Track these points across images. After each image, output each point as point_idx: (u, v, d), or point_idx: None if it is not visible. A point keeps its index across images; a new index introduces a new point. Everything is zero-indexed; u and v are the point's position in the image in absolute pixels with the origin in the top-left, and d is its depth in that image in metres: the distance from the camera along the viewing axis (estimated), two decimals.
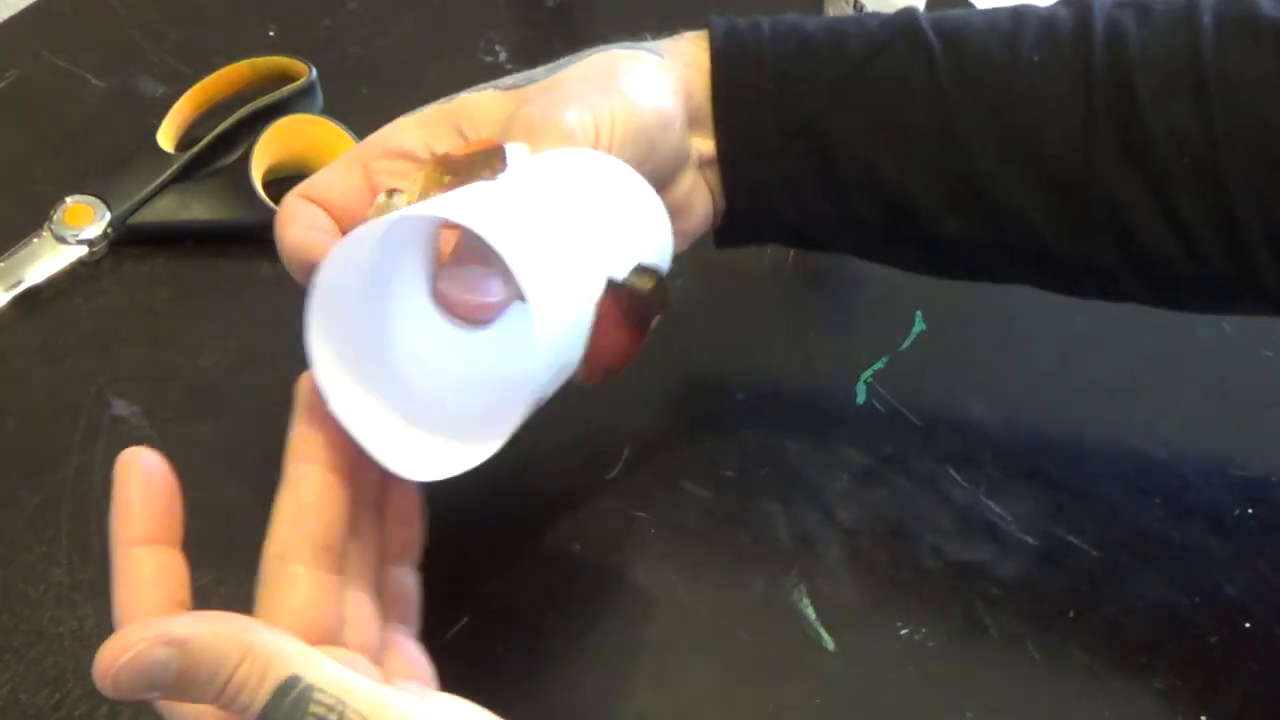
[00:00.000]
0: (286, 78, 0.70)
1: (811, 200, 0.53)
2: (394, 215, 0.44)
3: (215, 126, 0.68)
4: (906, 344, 0.65)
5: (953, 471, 0.61)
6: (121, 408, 0.62)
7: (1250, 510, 0.60)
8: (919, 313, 0.66)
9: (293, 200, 0.52)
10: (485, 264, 0.46)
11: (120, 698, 0.40)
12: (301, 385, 0.46)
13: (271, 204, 0.67)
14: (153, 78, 0.73)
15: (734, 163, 0.53)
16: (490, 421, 0.46)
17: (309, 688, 0.39)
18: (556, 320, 0.43)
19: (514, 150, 0.47)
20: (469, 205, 0.43)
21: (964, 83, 0.51)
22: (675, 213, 0.52)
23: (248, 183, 0.66)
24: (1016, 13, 0.53)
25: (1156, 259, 0.51)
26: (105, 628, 0.55)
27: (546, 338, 0.43)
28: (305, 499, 0.44)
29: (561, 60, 0.52)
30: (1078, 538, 0.59)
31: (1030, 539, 0.59)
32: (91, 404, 0.62)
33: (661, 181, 0.52)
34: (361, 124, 0.68)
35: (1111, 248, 0.52)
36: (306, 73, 0.70)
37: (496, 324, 0.49)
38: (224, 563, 0.57)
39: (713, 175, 0.54)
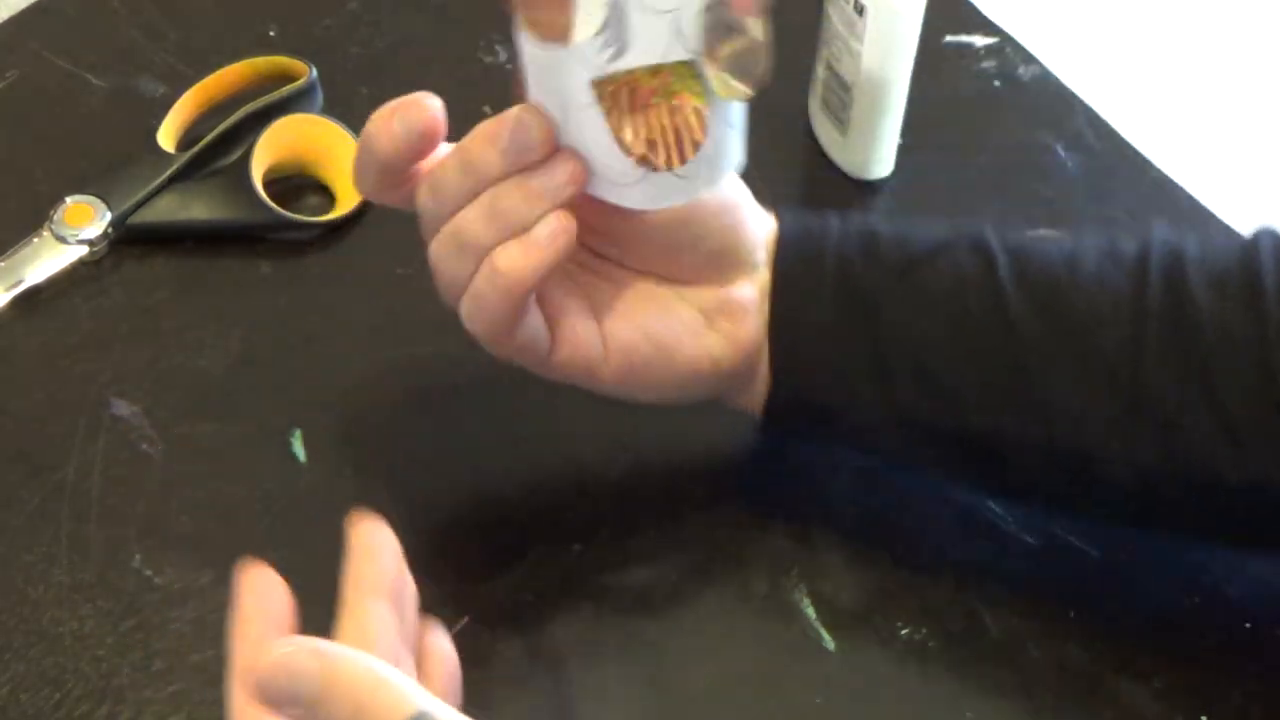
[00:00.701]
0: (286, 78, 0.70)
1: (856, 385, 0.53)
2: None
3: (215, 126, 0.68)
4: None
5: None
6: (121, 408, 0.62)
7: None
8: None
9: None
10: None
11: (265, 701, 0.40)
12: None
13: (271, 204, 0.67)
14: (153, 78, 0.73)
15: (783, 340, 0.54)
16: None
17: None
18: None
19: None
20: None
21: (1021, 281, 0.52)
22: (719, 311, 0.54)
23: (248, 183, 0.66)
24: (1077, 236, 0.55)
25: (1197, 455, 0.51)
26: (105, 628, 0.56)
27: None
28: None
29: None
30: (1078, 538, 0.59)
31: (1030, 539, 0.59)
32: (91, 404, 0.62)
33: (708, 257, 0.53)
34: (361, 124, 0.68)
35: (1154, 443, 0.51)
36: (306, 73, 0.70)
37: None
38: (224, 563, 0.57)
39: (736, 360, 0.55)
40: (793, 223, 0.55)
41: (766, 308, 0.54)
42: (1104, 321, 0.51)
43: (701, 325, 0.54)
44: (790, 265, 0.54)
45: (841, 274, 0.53)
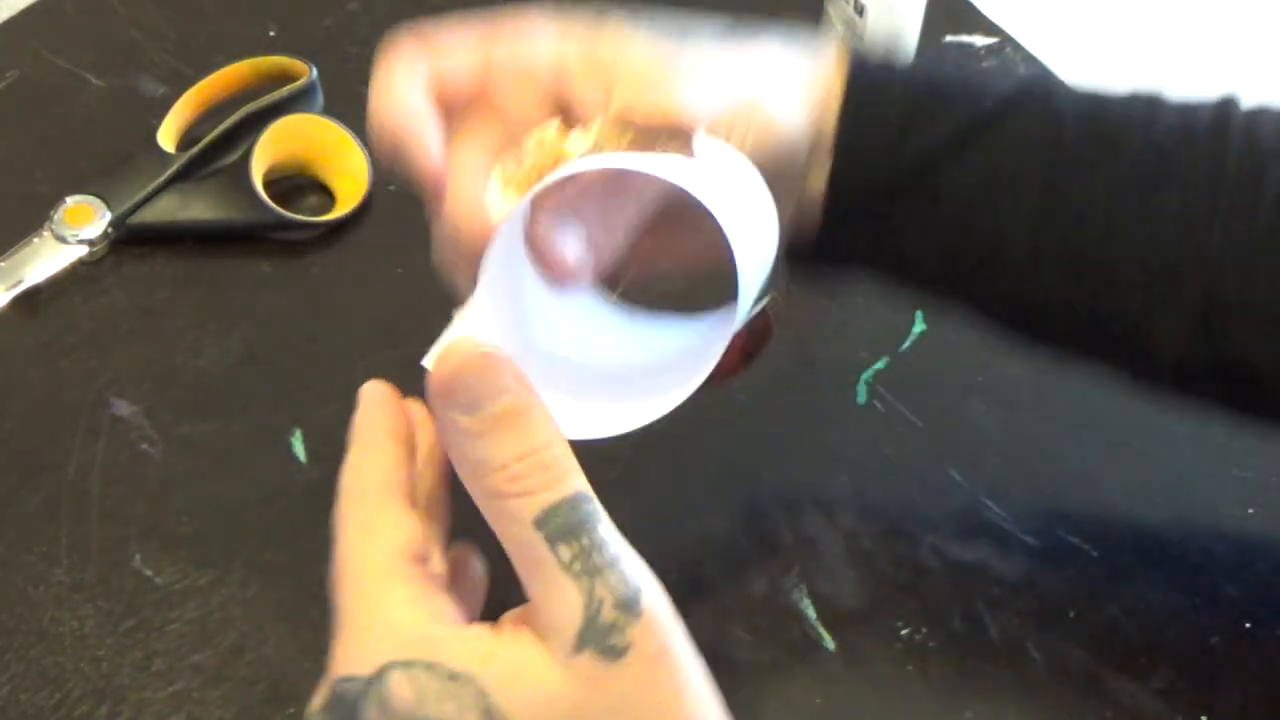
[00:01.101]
0: (286, 78, 0.70)
1: (911, 240, 0.52)
2: (594, 162, 0.42)
3: (215, 126, 0.68)
4: (906, 344, 0.65)
5: (953, 471, 0.61)
6: (121, 408, 0.62)
7: (1250, 511, 0.60)
8: (919, 313, 0.66)
9: (406, 43, 0.48)
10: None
11: (445, 401, 0.41)
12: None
13: (271, 204, 0.67)
14: (153, 78, 0.73)
15: (842, 191, 0.51)
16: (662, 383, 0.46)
17: (595, 513, 0.40)
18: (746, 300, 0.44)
19: (703, 143, 0.45)
20: (687, 170, 0.42)
21: (1087, 152, 0.50)
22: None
23: (248, 183, 0.66)
24: (1153, 99, 0.52)
25: (1241, 356, 0.50)
26: (105, 628, 0.56)
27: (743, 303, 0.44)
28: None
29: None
30: (1078, 538, 0.59)
31: (1030, 539, 0.59)
32: (91, 404, 0.62)
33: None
34: (361, 124, 0.68)
35: (1199, 338, 0.50)
36: (306, 73, 0.70)
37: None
38: (224, 563, 0.58)
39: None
40: (857, 70, 0.51)
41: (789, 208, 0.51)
42: (1169, 206, 0.49)
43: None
44: (855, 124, 0.51)
45: (904, 128, 0.50)
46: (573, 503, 0.41)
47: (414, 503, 0.44)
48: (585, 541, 0.40)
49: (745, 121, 0.47)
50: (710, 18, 0.55)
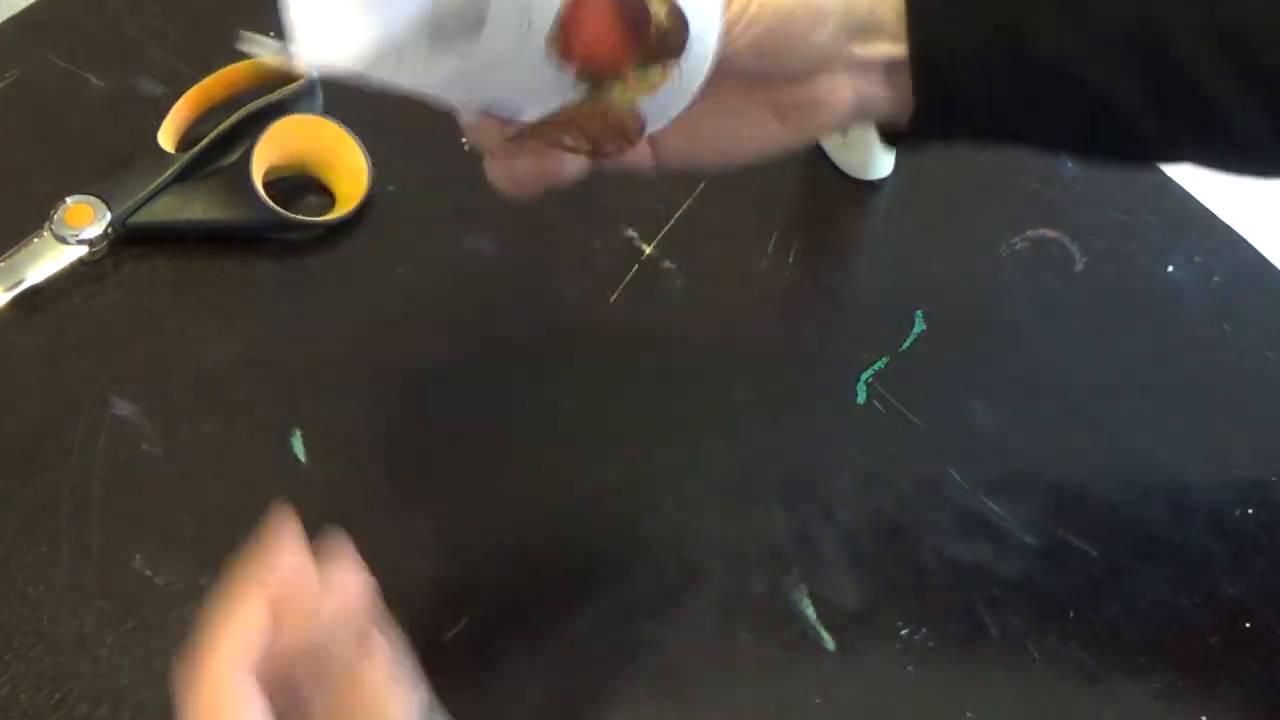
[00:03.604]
0: (287, 78, 0.70)
1: (1004, 98, 0.51)
2: None
3: (215, 126, 0.68)
4: (906, 344, 0.65)
5: (953, 471, 0.61)
6: (121, 408, 0.62)
7: (1250, 511, 0.60)
8: (919, 313, 0.66)
9: None
10: None
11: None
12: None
13: (271, 204, 0.66)
14: (153, 78, 0.73)
15: (927, 64, 0.51)
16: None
17: None
18: None
19: None
20: None
21: None
22: (796, 106, 0.50)
23: (248, 183, 0.66)
24: None
25: None
26: (105, 628, 0.56)
27: None
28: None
29: None
30: (1078, 538, 0.59)
31: (1030, 539, 0.59)
32: (91, 404, 0.62)
33: (791, 76, 0.49)
34: (362, 124, 0.69)
35: None
36: (307, 73, 0.70)
37: None
38: (224, 563, 0.57)
39: (878, 80, 0.51)
40: None
41: (848, 89, 0.51)
42: (1264, 20, 0.49)
43: (769, 120, 0.51)
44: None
45: None
46: None
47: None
48: None
49: None
50: None
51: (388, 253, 0.67)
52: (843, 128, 0.53)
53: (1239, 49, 0.49)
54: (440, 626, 0.55)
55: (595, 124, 0.47)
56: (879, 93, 0.51)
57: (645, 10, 0.43)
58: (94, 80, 0.73)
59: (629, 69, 0.44)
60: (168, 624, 0.56)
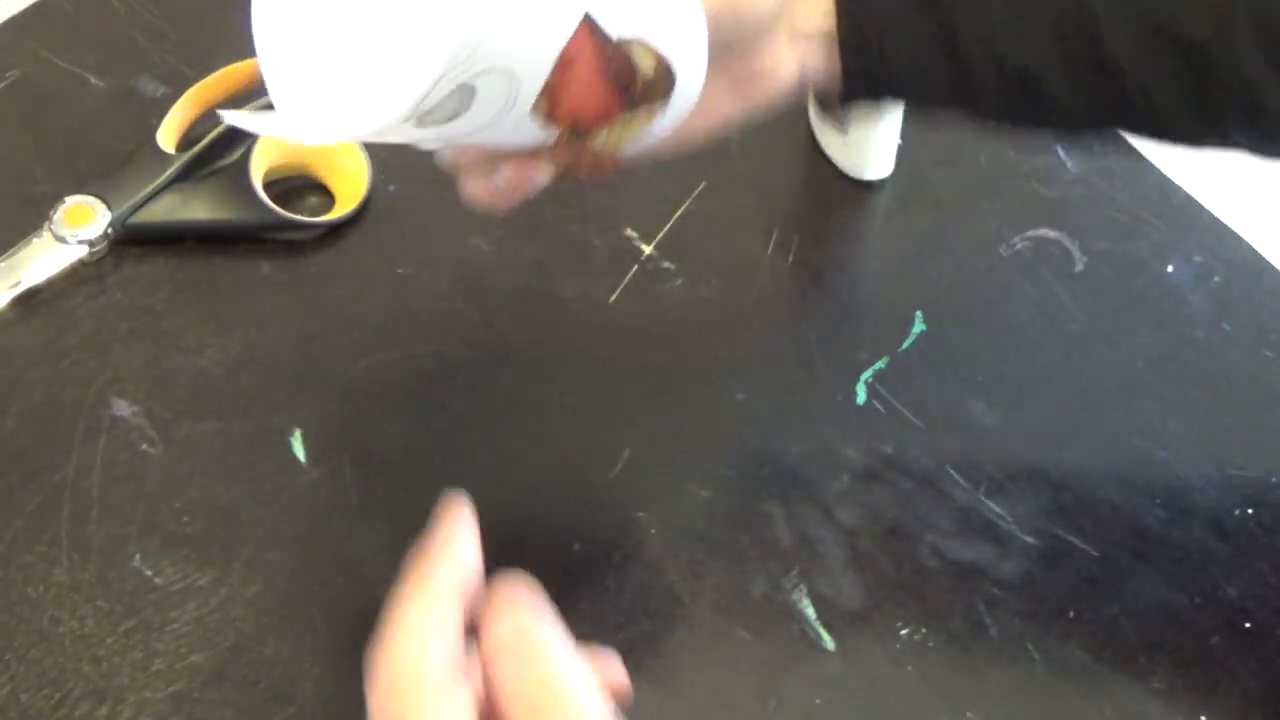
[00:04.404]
0: None
1: (931, 71, 0.52)
2: None
3: (215, 126, 0.68)
4: (906, 344, 0.65)
5: (953, 471, 0.61)
6: (121, 408, 0.62)
7: (1250, 511, 0.60)
8: (919, 313, 0.66)
9: None
10: None
11: None
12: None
13: (271, 204, 0.67)
14: (153, 78, 0.73)
15: (853, 36, 0.52)
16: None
17: None
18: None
19: None
20: None
21: None
22: (745, 78, 0.51)
23: (248, 183, 0.66)
24: None
25: None
26: (105, 628, 0.56)
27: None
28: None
29: None
30: (1078, 538, 0.59)
31: (1030, 539, 0.59)
32: (91, 404, 0.62)
33: (740, 47, 0.50)
34: None
35: (1240, 123, 0.51)
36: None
37: None
38: (224, 563, 0.58)
39: (816, 51, 0.52)
40: None
41: (793, 56, 0.52)
42: (1189, 3, 0.50)
43: (720, 95, 0.52)
44: None
45: None
46: None
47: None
48: None
49: None
50: None
51: (388, 253, 0.67)
52: (790, 99, 0.54)
53: (1160, 24, 0.50)
54: None
55: (575, 158, 0.47)
56: (819, 64, 0.53)
57: (631, 68, 0.43)
58: (94, 80, 0.73)
59: (614, 121, 0.45)
60: (168, 624, 0.56)
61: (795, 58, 0.52)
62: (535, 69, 0.41)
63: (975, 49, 0.52)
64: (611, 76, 0.43)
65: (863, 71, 0.53)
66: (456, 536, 0.44)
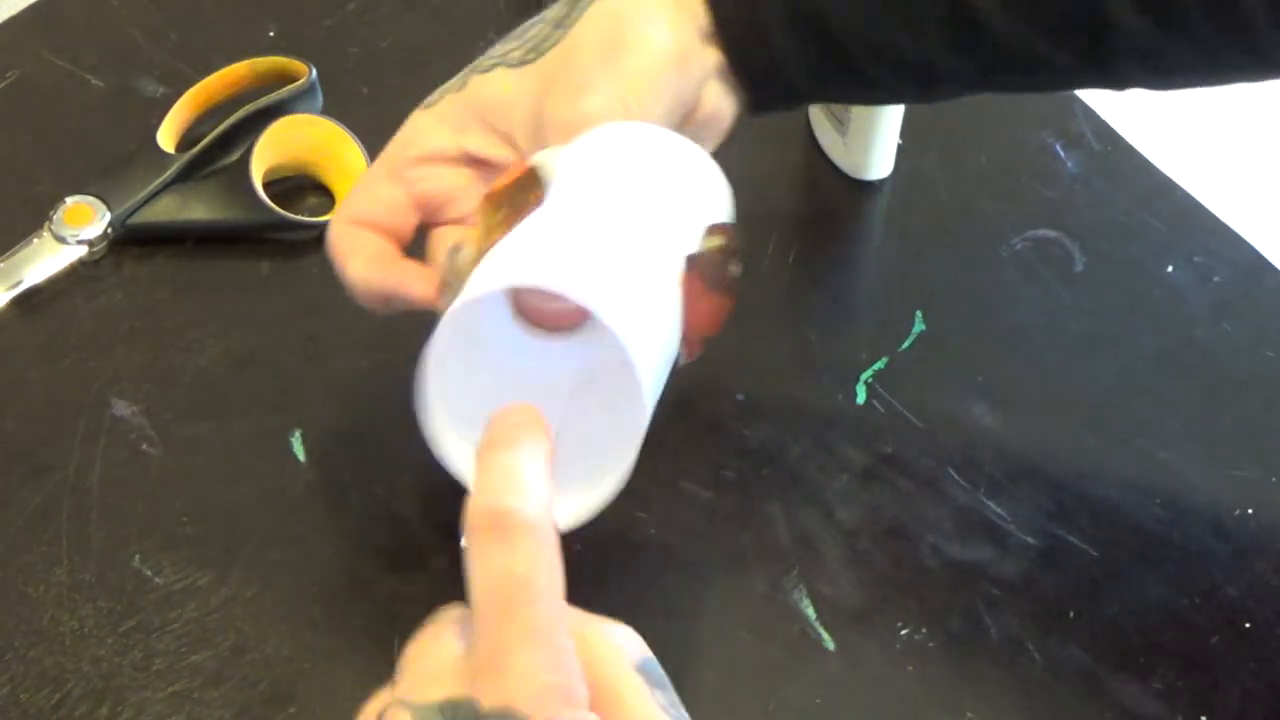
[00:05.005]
0: (286, 78, 0.70)
1: (824, 75, 0.53)
2: (483, 291, 0.44)
3: (215, 126, 0.68)
4: (906, 344, 0.65)
5: (953, 471, 0.61)
6: (121, 408, 0.62)
7: (1250, 511, 0.60)
8: (919, 313, 0.66)
9: (342, 229, 0.53)
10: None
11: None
12: None
13: (271, 204, 0.66)
14: (153, 78, 0.73)
15: (741, 54, 0.53)
16: (609, 452, 0.46)
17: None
18: (648, 343, 0.44)
19: (547, 157, 0.47)
20: (529, 260, 0.44)
21: None
22: (707, 123, 0.53)
23: (248, 183, 0.66)
24: None
25: (1173, 68, 0.52)
26: (105, 628, 0.56)
27: (643, 365, 0.43)
28: None
29: (560, 8, 0.52)
30: (1078, 538, 0.59)
31: (1030, 539, 0.59)
32: (91, 404, 0.62)
33: (688, 106, 0.52)
34: (361, 124, 0.68)
35: (1130, 70, 0.52)
36: (306, 73, 0.70)
37: (586, 338, 0.49)
38: (224, 562, 0.58)
39: (725, 76, 0.53)
40: None
41: (724, 85, 0.53)
42: None
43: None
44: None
45: None
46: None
47: None
48: (674, 695, 0.41)
49: (632, 87, 0.50)
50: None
51: None
52: (735, 124, 0.55)
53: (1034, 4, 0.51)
54: None
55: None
56: (735, 86, 0.54)
57: (725, 264, 0.48)
58: (94, 80, 0.73)
59: (731, 309, 0.49)
60: (168, 624, 0.56)
61: (722, 88, 0.53)
62: (674, 348, 0.48)
63: (860, 52, 0.52)
64: (715, 282, 0.48)
65: (765, 91, 0.54)
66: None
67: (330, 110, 0.70)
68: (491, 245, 0.47)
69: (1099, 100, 0.73)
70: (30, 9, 0.76)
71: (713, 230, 0.47)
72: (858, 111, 0.67)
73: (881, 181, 0.70)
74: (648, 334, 0.44)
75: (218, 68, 0.71)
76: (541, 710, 0.37)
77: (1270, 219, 0.71)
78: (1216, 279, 0.67)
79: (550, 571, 0.40)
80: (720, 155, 0.70)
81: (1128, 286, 0.67)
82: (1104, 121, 0.73)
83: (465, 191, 0.53)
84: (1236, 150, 1.43)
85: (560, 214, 0.46)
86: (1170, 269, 0.68)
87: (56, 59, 0.74)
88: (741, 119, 0.55)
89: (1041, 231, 0.69)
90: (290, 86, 0.70)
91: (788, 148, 0.72)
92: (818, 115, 0.71)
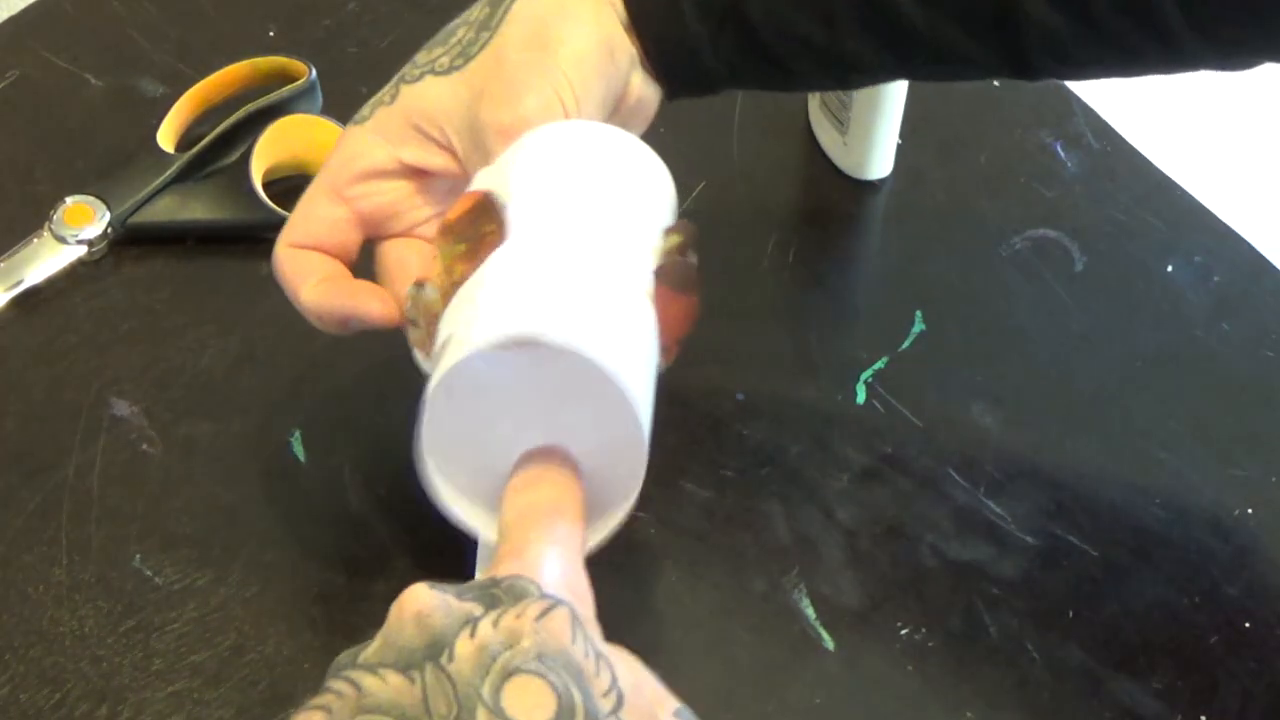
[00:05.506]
0: (286, 78, 0.70)
1: (740, 63, 0.53)
2: (474, 350, 0.44)
3: (215, 126, 0.68)
4: (906, 344, 0.65)
5: (952, 471, 0.61)
6: (121, 408, 0.62)
7: (1250, 510, 0.60)
8: (919, 313, 0.66)
9: (288, 254, 0.53)
10: None
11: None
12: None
13: (271, 204, 0.66)
14: (153, 78, 0.73)
15: (659, 48, 0.53)
16: (618, 476, 0.47)
17: None
18: (641, 378, 0.45)
19: (497, 180, 0.48)
20: (520, 310, 0.44)
21: None
22: (634, 111, 0.53)
23: (248, 183, 0.66)
24: None
25: (1087, 61, 0.52)
26: (105, 628, 0.56)
27: (640, 400, 0.44)
28: None
29: (481, 8, 0.52)
30: (1078, 538, 0.59)
31: (1030, 539, 0.59)
32: (91, 404, 0.62)
33: (618, 96, 0.52)
34: None
35: (1044, 62, 0.52)
36: (306, 73, 0.70)
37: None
38: (224, 563, 0.58)
39: (647, 69, 0.54)
40: None
41: (649, 87, 0.54)
42: None
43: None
44: None
45: None
46: None
47: None
48: None
49: (565, 84, 0.50)
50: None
51: None
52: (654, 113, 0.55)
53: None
54: None
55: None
56: (653, 74, 0.54)
57: (686, 265, 0.49)
58: (94, 80, 0.73)
59: (698, 308, 0.50)
60: (168, 624, 0.56)
61: (645, 77, 0.53)
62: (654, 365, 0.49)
63: (771, 38, 0.52)
64: (680, 284, 0.49)
65: (679, 80, 0.54)
66: None
67: (330, 110, 0.70)
68: (456, 281, 0.47)
69: (1099, 100, 0.73)
70: (30, 9, 0.76)
71: (669, 231, 0.47)
72: (858, 111, 0.67)
73: (881, 181, 0.70)
74: (640, 369, 0.45)
75: (218, 68, 0.71)
76: (550, 590, 0.39)
77: (1270, 219, 0.71)
78: (1216, 279, 0.67)
79: (576, 503, 0.45)
80: (720, 154, 0.70)
81: (1128, 286, 0.67)
82: (1104, 121, 0.73)
83: (408, 203, 0.53)
84: (1236, 150, 1.43)
85: (529, 251, 0.46)
86: (1170, 269, 0.68)
87: (56, 59, 0.74)
88: (664, 105, 0.55)
89: (1041, 231, 0.69)
90: (290, 86, 0.70)
91: (788, 147, 0.72)
92: (818, 115, 0.71)
